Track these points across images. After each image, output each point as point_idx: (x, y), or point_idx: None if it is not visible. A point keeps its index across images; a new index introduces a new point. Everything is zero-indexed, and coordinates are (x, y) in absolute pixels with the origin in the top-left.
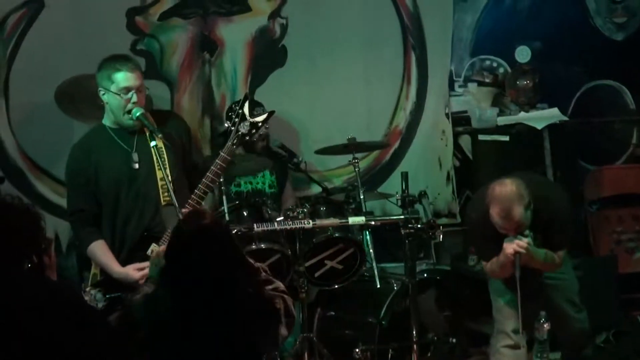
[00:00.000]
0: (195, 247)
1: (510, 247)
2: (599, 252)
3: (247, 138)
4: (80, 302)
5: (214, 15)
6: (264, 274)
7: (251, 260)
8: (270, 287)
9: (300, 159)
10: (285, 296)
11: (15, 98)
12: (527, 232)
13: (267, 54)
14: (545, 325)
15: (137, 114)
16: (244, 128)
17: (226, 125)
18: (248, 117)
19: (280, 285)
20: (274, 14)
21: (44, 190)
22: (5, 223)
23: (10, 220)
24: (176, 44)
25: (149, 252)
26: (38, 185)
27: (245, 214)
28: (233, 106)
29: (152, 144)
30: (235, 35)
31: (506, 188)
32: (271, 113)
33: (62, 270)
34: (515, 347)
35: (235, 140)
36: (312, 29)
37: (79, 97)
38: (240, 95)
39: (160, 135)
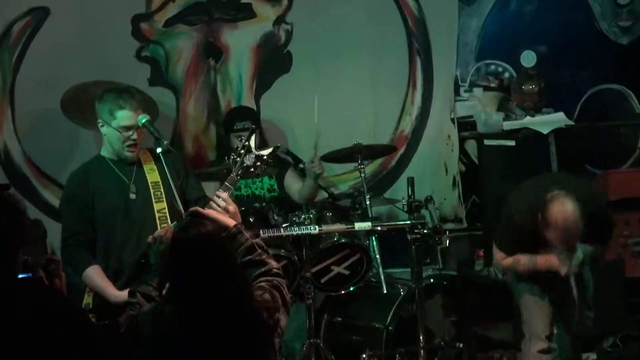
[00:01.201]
0: (195, 256)
1: (565, 269)
2: (606, 256)
3: (252, 170)
4: (78, 314)
5: (218, 22)
6: (258, 250)
7: (248, 235)
8: (263, 279)
9: (305, 164)
10: (279, 281)
11: (21, 105)
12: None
13: (273, 60)
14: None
15: (143, 121)
16: (249, 160)
17: (232, 156)
18: (254, 150)
19: (273, 266)
20: (279, 20)
21: (49, 197)
22: None
23: None
24: (181, 50)
25: None
26: (44, 193)
27: (251, 220)
28: (243, 131)
29: (158, 150)
30: (241, 41)
31: (567, 212)
32: (276, 147)
33: (66, 276)
34: (550, 351)
35: (239, 172)
36: (317, 34)
37: (85, 104)
38: (245, 102)
39: (166, 142)
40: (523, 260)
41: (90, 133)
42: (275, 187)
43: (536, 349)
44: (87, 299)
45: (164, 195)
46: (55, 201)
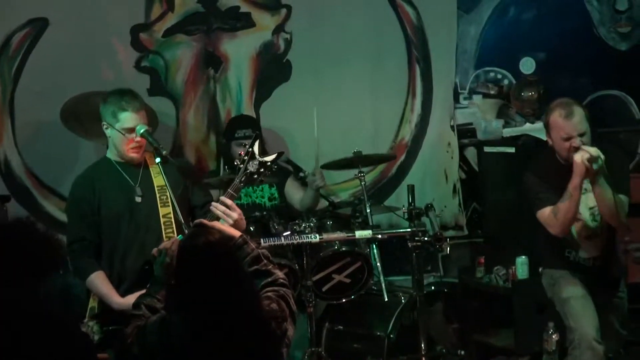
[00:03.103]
0: (204, 264)
1: (580, 154)
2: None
3: (255, 177)
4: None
5: (218, 31)
6: (264, 261)
7: (254, 245)
8: (269, 289)
9: (306, 173)
10: (285, 291)
11: (21, 116)
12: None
13: (272, 69)
14: (553, 337)
15: (141, 131)
16: (252, 167)
17: (235, 163)
18: (257, 157)
19: (279, 276)
20: (278, 29)
21: (50, 208)
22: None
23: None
24: (181, 60)
25: None
26: (44, 204)
27: (252, 229)
28: (245, 139)
29: (157, 160)
30: (240, 50)
31: (565, 98)
32: (280, 154)
33: (69, 287)
34: (602, 356)
35: (243, 178)
36: (316, 43)
37: (85, 115)
38: (245, 111)
39: (165, 152)
40: (562, 199)
41: (91, 144)
42: (276, 195)
43: (589, 355)
44: (92, 303)
45: (169, 200)
46: (56, 212)
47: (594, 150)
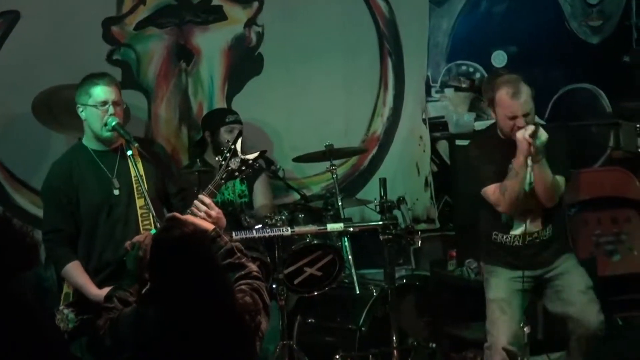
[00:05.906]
0: (179, 256)
1: (521, 131)
2: (578, 255)
3: (237, 174)
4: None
5: (189, 24)
6: (237, 254)
7: (227, 238)
8: (243, 282)
9: (278, 166)
10: (259, 284)
11: None
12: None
13: (244, 62)
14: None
15: (113, 123)
16: (234, 164)
17: (217, 159)
18: (240, 154)
19: (252, 269)
20: (250, 22)
21: (21, 201)
22: None
23: None
24: (152, 53)
25: None
26: (16, 197)
27: None
28: (235, 124)
29: (129, 153)
30: (211, 43)
31: (512, 75)
32: (263, 152)
33: (41, 281)
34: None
35: (224, 175)
36: (288, 36)
37: (57, 107)
38: (217, 104)
39: (136, 145)
40: (508, 177)
41: (62, 137)
42: (246, 192)
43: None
44: (67, 289)
45: (143, 192)
46: (27, 205)
47: (536, 127)
